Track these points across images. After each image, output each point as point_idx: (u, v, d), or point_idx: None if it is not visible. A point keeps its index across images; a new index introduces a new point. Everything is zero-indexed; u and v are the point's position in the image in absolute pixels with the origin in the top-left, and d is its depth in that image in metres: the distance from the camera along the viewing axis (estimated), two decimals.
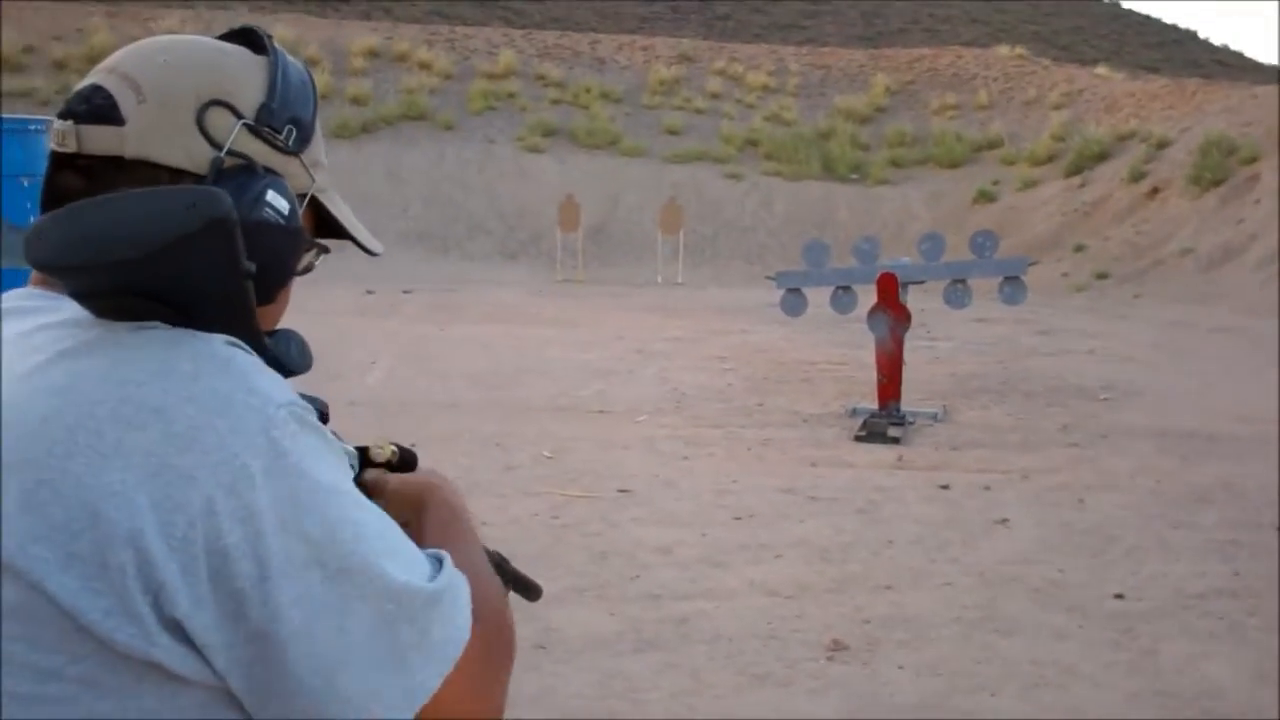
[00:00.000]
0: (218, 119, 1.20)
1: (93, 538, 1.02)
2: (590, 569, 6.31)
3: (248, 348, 1.14)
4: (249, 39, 1.30)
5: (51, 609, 1.02)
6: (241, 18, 32.52)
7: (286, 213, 1.21)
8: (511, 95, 30.45)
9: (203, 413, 1.05)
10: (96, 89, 1.20)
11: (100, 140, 1.19)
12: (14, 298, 1.23)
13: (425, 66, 31.01)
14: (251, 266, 1.11)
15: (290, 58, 1.30)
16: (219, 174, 1.18)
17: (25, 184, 5.85)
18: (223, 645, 1.04)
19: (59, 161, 1.22)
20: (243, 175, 1.19)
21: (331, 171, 1.37)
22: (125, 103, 1.19)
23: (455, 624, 1.13)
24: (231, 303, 1.13)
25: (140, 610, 1.02)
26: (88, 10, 32.23)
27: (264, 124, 1.23)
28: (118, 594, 1.01)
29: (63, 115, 1.21)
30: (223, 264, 1.09)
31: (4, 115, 7.34)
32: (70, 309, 1.14)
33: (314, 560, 1.05)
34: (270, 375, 1.13)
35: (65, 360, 1.10)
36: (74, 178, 1.21)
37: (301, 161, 1.28)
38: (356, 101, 28.63)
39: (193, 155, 1.19)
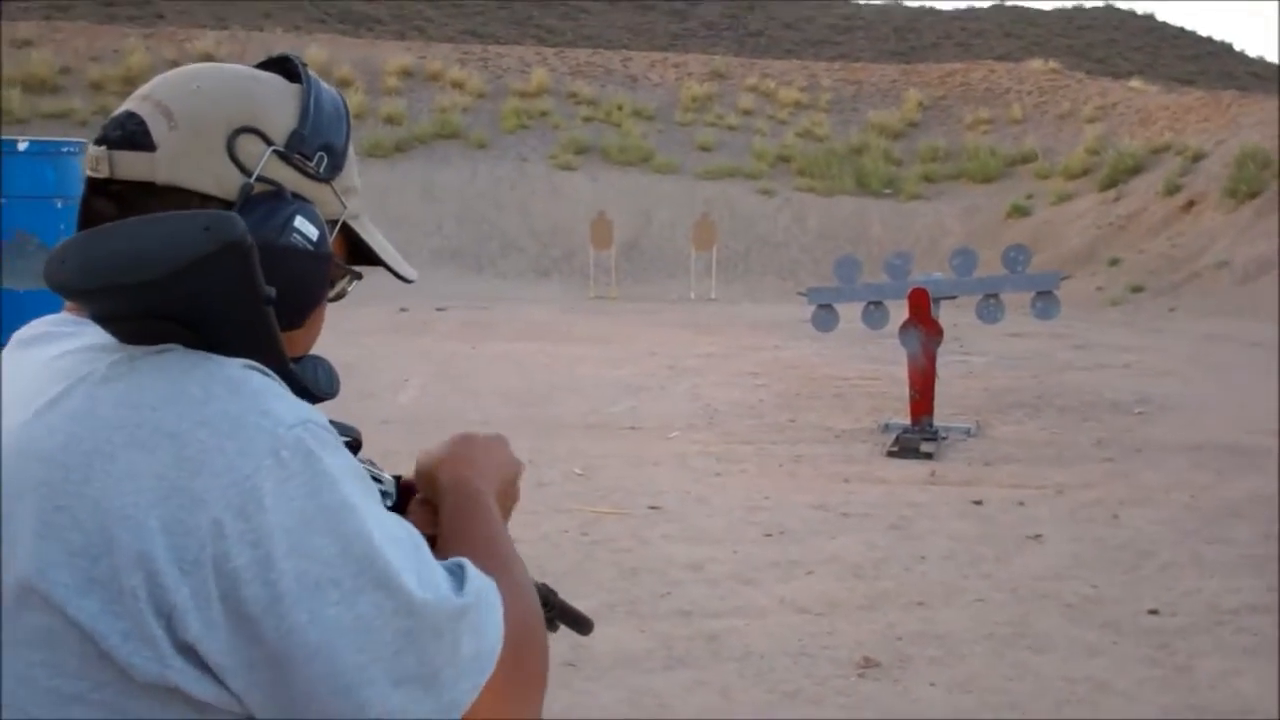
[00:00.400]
0: (248, 146, 1.22)
1: (109, 562, 1.03)
2: (621, 586, 6.31)
3: (267, 370, 1.14)
4: (285, 67, 1.31)
5: (74, 633, 1.03)
6: (276, 38, 32.81)
7: (315, 238, 1.22)
8: (544, 113, 30.53)
9: (214, 436, 1.05)
10: (130, 115, 1.23)
11: (132, 166, 1.21)
12: (44, 324, 1.25)
13: (458, 85, 31.14)
14: (271, 292, 1.11)
15: (325, 85, 1.31)
16: (247, 200, 1.19)
17: (59, 205, 5.92)
18: (241, 667, 1.04)
19: (93, 187, 1.24)
20: (271, 201, 1.21)
21: (365, 190, 1.38)
22: (157, 129, 1.21)
23: (486, 636, 1.12)
24: (253, 327, 1.13)
25: (154, 633, 1.02)
26: (124, 32, 32.55)
27: (294, 150, 1.24)
28: (133, 618, 1.02)
29: (98, 141, 1.23)
30: (239, 287, 1.10)
31: (43, 138, 7.40)
32: (93, 334, 1.16)
33: (328, 580, 1.04)
34: (286, 397, 1.12)
35: (84, 385, 1.11)
36: (106, 203, 1.24)
37: (333, 188, 1.29)
38: (390, 120, 28.77)
39: (222, 181, 1.20)
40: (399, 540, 1.11)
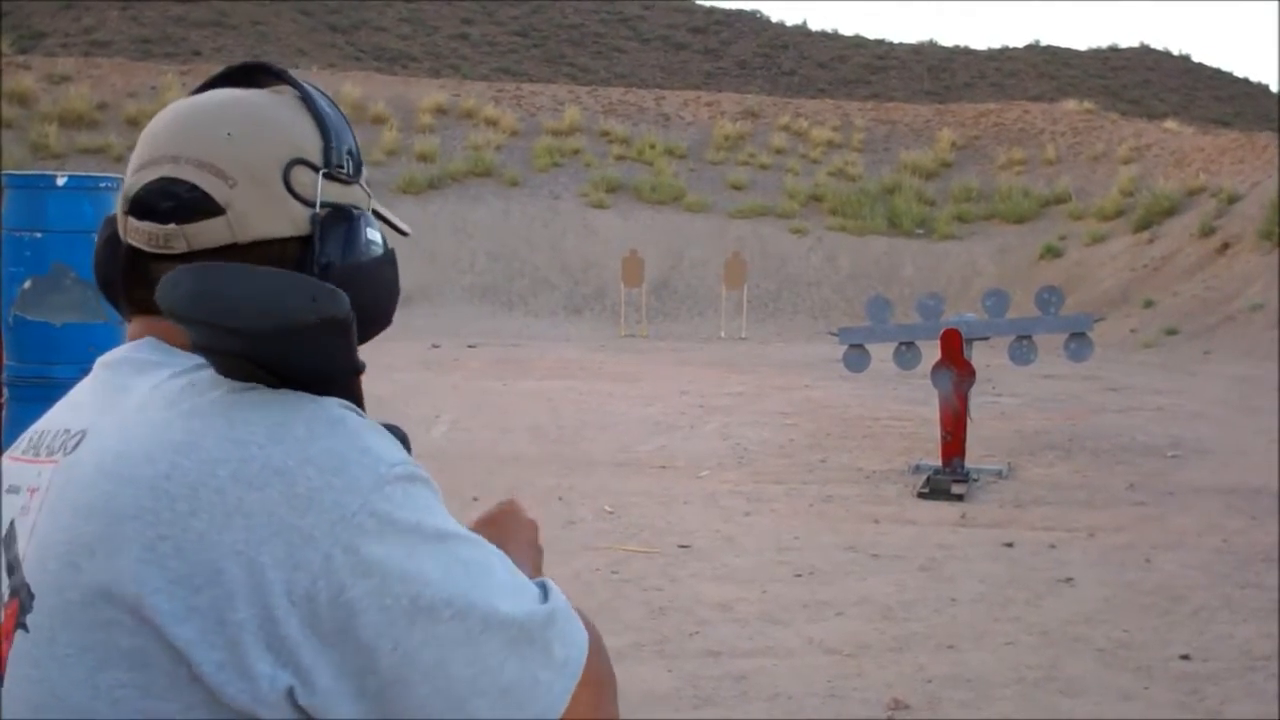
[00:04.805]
0: (300, 177, 1.24)
1: (213, 594, 1.05)
2: (649, 624, 6.30)
3: (361, 411, 1.18)
4: (252, 77, 1.32)
5: (165, 657, 1.05)
6: (311, 76, 33.05)
7: (381, 242, 1.29)
8: (576, 151, 30.63)
9: (321, 474, 1.09)
10: (173, 182, 1.21)
11: (210, 234, 1.20)
12: (131, 349, 1.25)
13: (492, 123, 31.29)
14: (363, 364, 1.16)
15: (309, 86, 1.31)
16: (321, 228, 1.23)
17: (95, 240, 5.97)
18: (350, 694, 1.06)
19: (159, 258, 1.22)
20: (341, 223, 1.24)
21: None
22: (216, 190, 1.20)
23: (574, 641, 1.16)
24: (339, 393, 1.17)
25: (254, 667, 1.05)
26: (161, 69, 32.90)
27: (332, 165, 1.27)
28: (231, 648, 1.04)
29: (147, 216, 1.21)
30: (335, 359, 1.14)
31: (80, 173, 7.49)
32: (183, 363, 1.18)
33: (439, 601, 1.08)
34: (381, 435, 1.16)
35: (183, 419, 1.13)
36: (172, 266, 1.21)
37: (362, 185, 1.32)
38: (424, 158, 28.93)
39: (294, 219, 1.23)
40: (492, 560, 1.15)
